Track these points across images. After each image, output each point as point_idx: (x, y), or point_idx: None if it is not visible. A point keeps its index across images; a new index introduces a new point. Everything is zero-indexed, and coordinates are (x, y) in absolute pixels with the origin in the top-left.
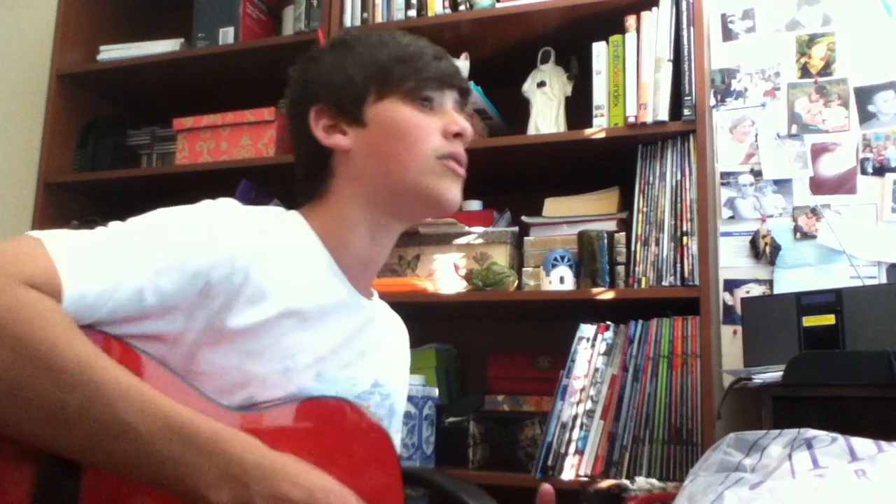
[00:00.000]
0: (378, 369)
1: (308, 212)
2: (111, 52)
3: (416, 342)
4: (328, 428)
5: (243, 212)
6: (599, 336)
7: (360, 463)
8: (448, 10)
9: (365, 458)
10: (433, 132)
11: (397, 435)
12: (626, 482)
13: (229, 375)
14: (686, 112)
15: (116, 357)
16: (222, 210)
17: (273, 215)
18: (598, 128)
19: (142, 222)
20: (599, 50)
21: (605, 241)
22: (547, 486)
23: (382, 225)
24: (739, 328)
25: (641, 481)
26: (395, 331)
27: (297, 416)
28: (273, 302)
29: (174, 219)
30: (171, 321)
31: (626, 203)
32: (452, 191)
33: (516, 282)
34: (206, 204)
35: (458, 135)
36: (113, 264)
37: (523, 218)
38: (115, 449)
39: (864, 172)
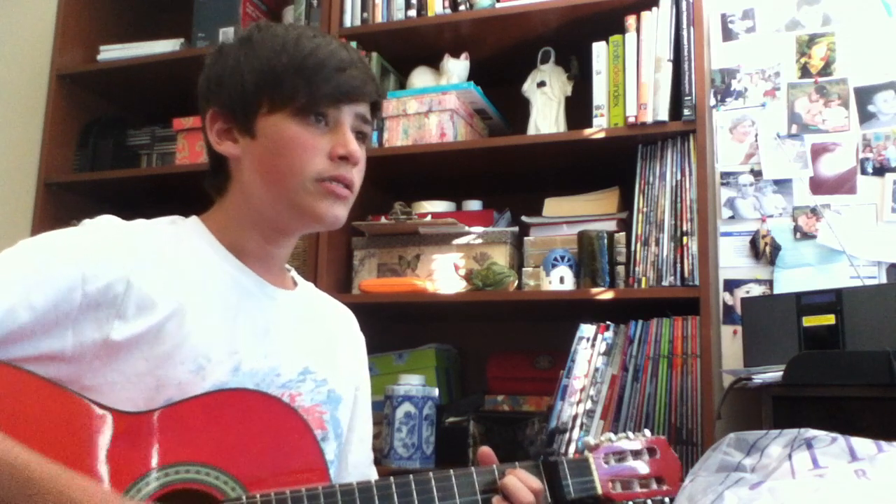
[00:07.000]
0: (306, 357)
1: (208, 215)
2: (111, 52)
3: (416, 342)
4: (228, 418)
5: (120, 226)
6: (599, 336)
7: (267, 447)
8: (448, 10)
9: (273, 443)
10: (318, 153)
11: (348, 417)
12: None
13: (142, 383)
14: (686, 112)
15: None
16: (97, 226)
17: (160, 223)
18: (598, 128)
19: (16, 247)
20: (599, 50)
21: (605, 241)
22: (485, 448)
23: (274, 230)
24: (739, 328)
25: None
26: (330, 318)
27: (195, 411)
28: (164, 305)
29: (47, 240)
30: (58, 338)
31: (626, 203)
32: (332, 211)
33: (516, 282)
34: (84, 222)
35: (344, 157)
36: None
37: (523, 218)
38: None
39: (864, 172)
